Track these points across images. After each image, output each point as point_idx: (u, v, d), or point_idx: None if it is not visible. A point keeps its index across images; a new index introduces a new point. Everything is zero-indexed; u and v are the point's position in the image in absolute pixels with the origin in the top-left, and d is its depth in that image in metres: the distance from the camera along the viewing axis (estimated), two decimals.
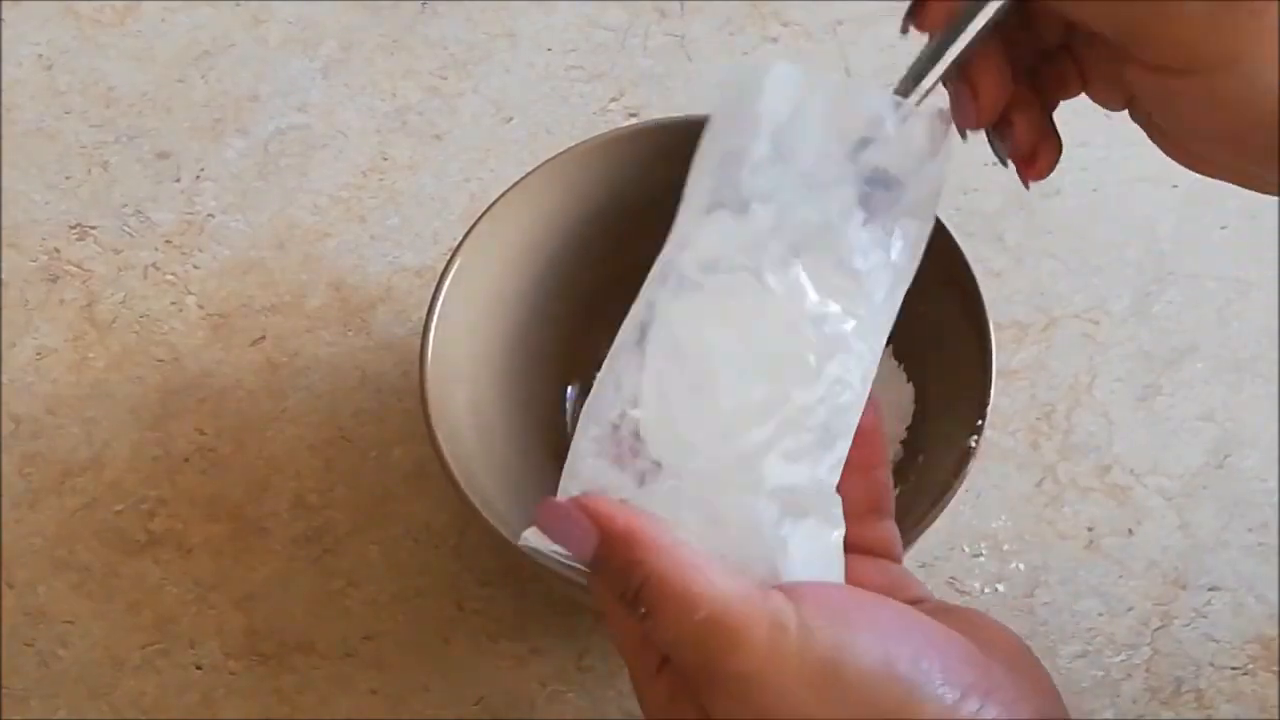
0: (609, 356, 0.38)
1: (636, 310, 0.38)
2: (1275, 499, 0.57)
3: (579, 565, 0.36)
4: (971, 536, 0.57)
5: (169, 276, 0.64)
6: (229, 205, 0.66)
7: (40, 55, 0.71)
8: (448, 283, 0.52)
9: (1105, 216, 0.64)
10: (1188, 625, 0.55)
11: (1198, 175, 0.42)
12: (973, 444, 0.49)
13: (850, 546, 0.38)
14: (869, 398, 0.38)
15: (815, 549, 0.37)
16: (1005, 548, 0.57)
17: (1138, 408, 0.59)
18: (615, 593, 0.35)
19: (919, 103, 0.40)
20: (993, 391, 0.50)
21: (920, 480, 0.52)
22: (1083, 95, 0.43)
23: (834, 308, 0.38)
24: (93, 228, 0.66)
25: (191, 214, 0.66)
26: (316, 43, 0.71)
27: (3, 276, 0.64)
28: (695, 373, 0.37)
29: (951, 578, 0.56)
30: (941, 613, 0.36)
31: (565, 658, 0.55)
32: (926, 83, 0.40)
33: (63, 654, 0.55)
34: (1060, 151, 0.43)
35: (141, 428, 0.60)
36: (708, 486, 0.36)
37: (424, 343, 0.51)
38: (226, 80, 0.70)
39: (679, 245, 0.39)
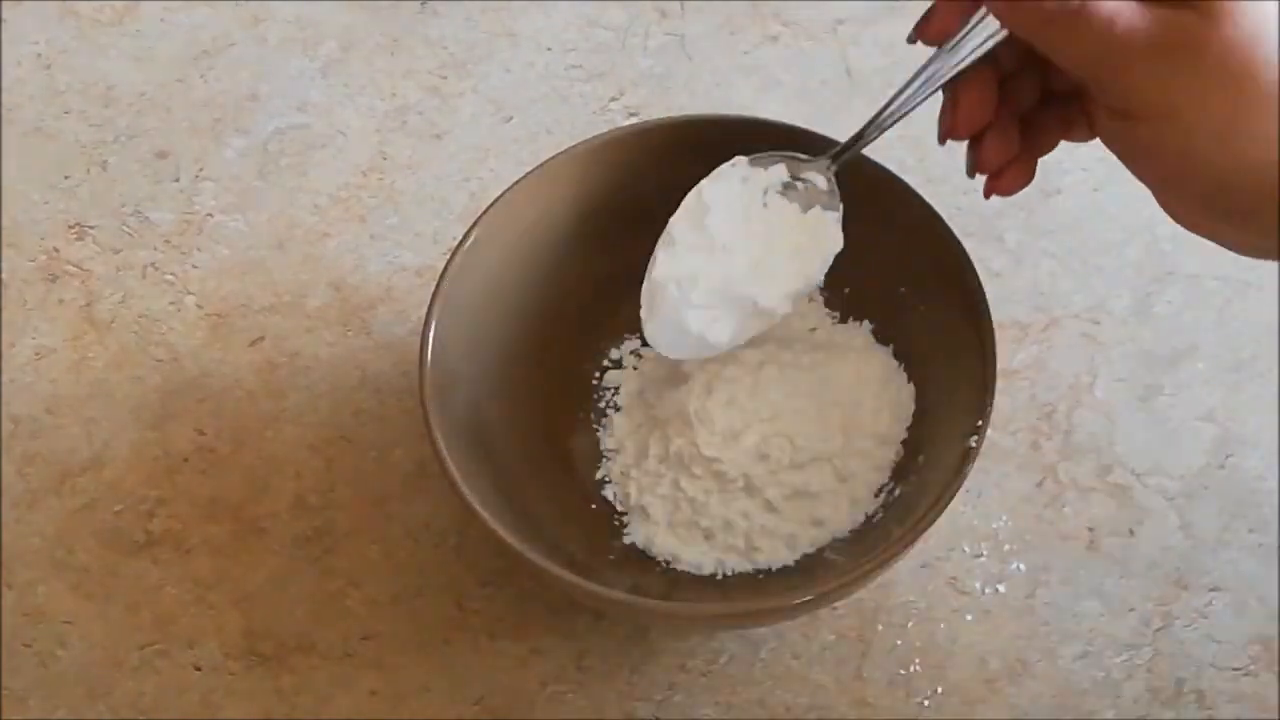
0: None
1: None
2: (1276, 499, 0.57)
3: None
4: (972, 536, 0.57)
5: (168, 276, 0.64)
6: (228, 205, 0.66)
7: (40, 55, 0.71)
8: (447, 282, 0.52)
9: (1105, 216, 0.64)
10: (1189, 626, 0.55)
11: None
12: (973, 444, 0.49)
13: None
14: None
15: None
16: (1006, 548, 0.56)
17: (1138, 408, 0.59)
18: None
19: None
20: (993, 391, 0.50)
21: (920, 480, 0.52)
22: None
23: None
24: (92, 227, 0.66)
25: (191, 214, 0.66)
26: (316, 42, 0.71)
27: (2, 276, 0.64)
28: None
29: (952, 578, 0.56)
30: None
31: (565, 658, 0.55)
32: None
33: (62, 654, 0.55)
34: (1030, 179, 0.46)
35: (141, 428, 0.60)
36: None
37: (424, 343, 0.51)
38: (226, 80, 0.70)
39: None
